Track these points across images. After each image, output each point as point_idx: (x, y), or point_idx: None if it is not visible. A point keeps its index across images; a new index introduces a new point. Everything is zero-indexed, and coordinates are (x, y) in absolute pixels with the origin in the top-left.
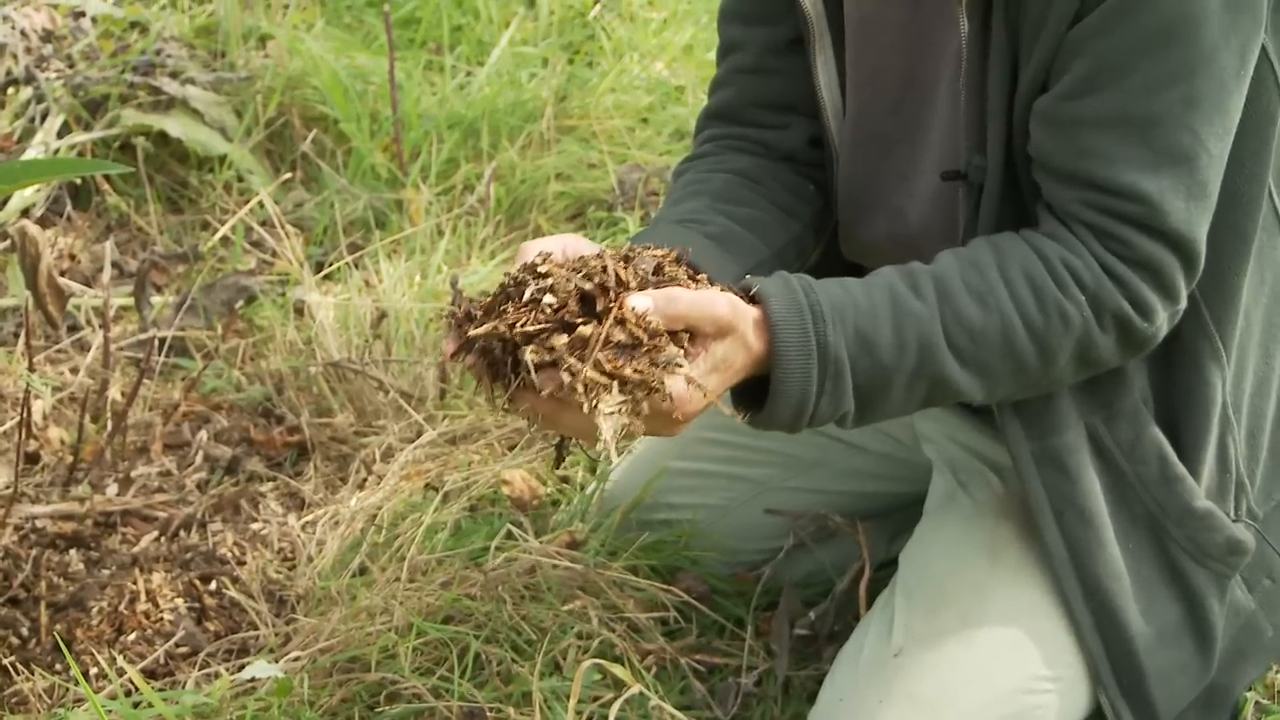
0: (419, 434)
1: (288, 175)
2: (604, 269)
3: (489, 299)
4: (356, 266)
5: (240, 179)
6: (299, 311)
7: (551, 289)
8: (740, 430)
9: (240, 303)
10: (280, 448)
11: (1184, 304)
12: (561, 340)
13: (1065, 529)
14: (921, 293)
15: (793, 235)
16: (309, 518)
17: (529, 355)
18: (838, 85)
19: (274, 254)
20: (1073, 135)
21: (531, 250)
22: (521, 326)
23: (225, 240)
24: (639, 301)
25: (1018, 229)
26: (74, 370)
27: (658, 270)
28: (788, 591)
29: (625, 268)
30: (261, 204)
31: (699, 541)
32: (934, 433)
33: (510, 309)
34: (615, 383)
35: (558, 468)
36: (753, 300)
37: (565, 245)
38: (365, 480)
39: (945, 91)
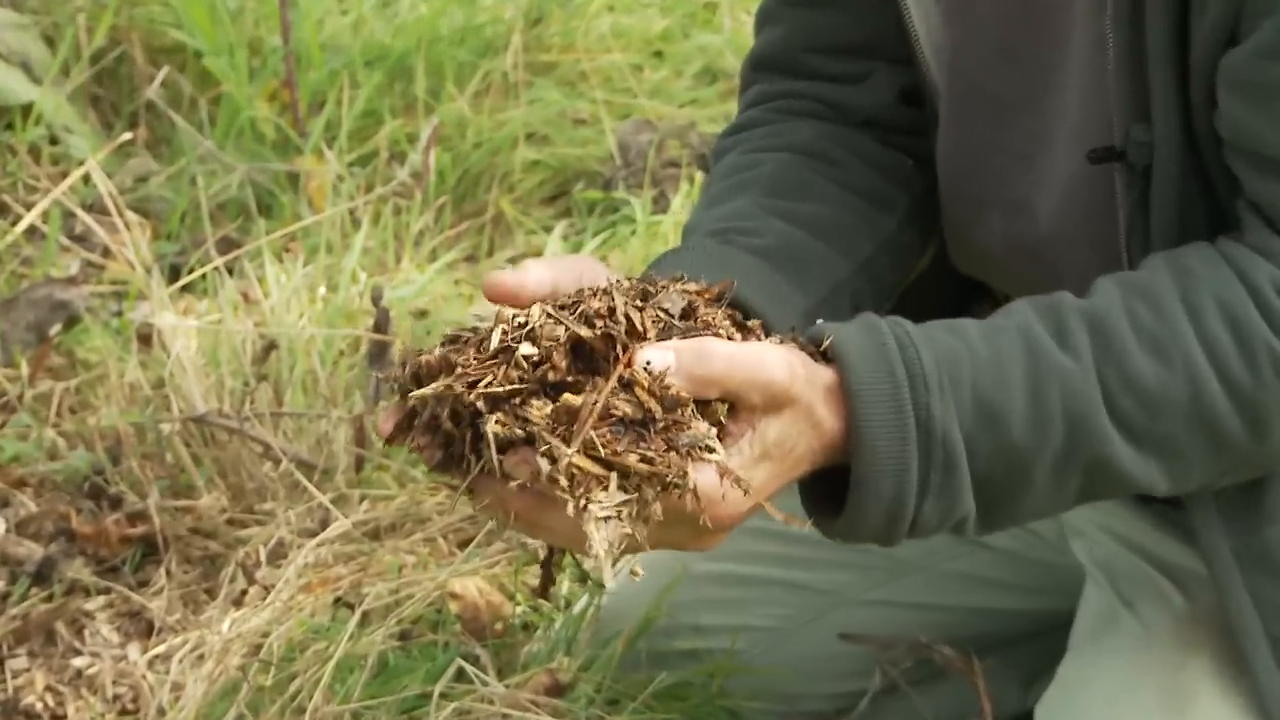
0: (325, 523)
1: (126, 136)
2: (610, 309)
3: (443, 352)
4: (230, 273)
5: (54, 140)
6: (144, 340)
7: (531, 335)
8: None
9: (56, 326)
10: (116, 544)
11: None
12: (541, 409)
13: None
14: (1071, 340)
15: (884, 237)
16: (159, 649)
17: (493, 428)
18: (936, 9)
19: (105, 253)
20: None
21: (529, 275)
22: (485, 387)
23: (32, 232)
24: (656, 357)
25: (1215, 232)
26: None
27: (688, 313)
28: None
29: (641, 308)
30: (87, 178)
31: (740, 682)
32: (1086, 523)
33: (472, 362)
34: (613, 474)
35: (544, 595)
36: (826, 357)
37: (579, 271)
38: (245, 593)
39: (1084, 32)
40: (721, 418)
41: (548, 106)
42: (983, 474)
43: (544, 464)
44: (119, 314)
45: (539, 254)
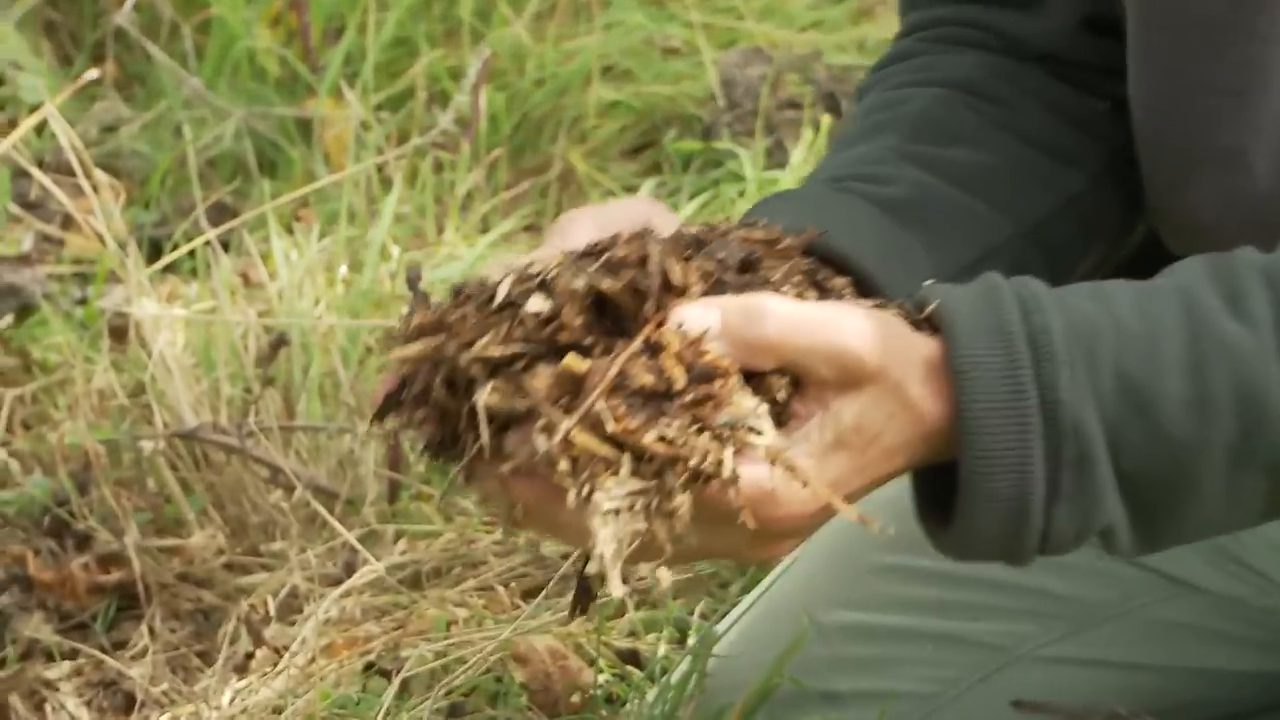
0: (350, 568)
1: (91, 74)
2: (643, 258)
3: (441, 307)
4: (226, 248)
5: (1, 80)
6: (118, 334)
7: (545, 286)
8: None
9: (5, 317)
10: (85, 595)
11: None
12: (545, 376)
13: None
14: (1246, 304)
15: (1067, 197)
16: None
17: (486, 398)
18: None
19: (67, 223)
20: None
21: (575, 228)
22: (483, 349)
23: None
24: (693, 316)
25: None
26: None
27: (749, 265)
28: None
29: (688, 257)
30: (42, 127)
31: None
32: None
33: (472, 319)
34: (626, 455)
35: (579, 615)
36: (933, 325)
37: (636, 218)
38: (249, 656)
39: None
40: (782, 395)
41: (630, 32)
42: (1131, 473)
43: (540, 441)
44: (84, 301)
45: None
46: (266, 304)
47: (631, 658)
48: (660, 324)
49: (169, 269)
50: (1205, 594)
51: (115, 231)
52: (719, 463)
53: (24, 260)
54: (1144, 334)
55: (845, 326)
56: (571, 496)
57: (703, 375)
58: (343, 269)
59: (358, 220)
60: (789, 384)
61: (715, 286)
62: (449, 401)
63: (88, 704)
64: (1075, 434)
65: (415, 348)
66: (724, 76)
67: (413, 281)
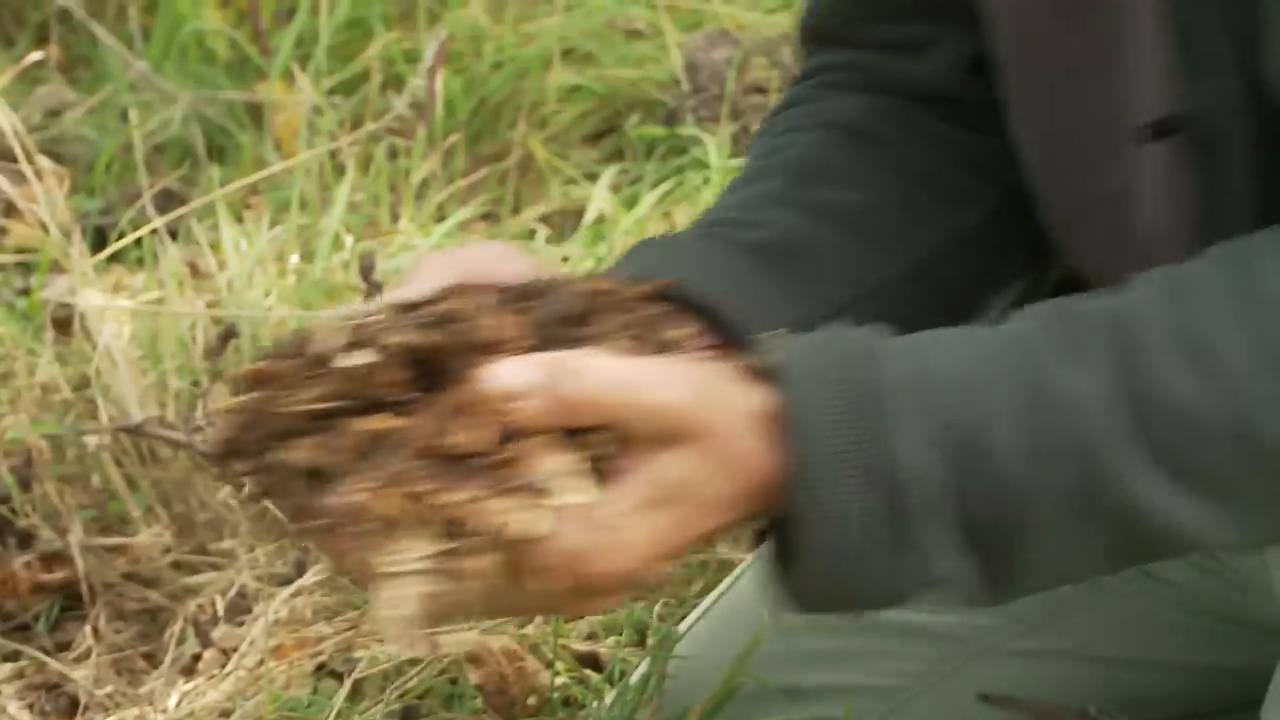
0: (301, 567)
1: (34, 56)
2: (474, 309)
3: (281, 352)
4: (174, 237)
5: None
6: (61, 325)
7: (374, 340)
8: None
9: None
10: (27, 594)
11: None
12: (351, 435)
13: None
14: (1085, 350)
15: (957, 234)
16: None
17: (294, 455)
18: None
19: (9, 211)
20: None
21: (426, 275)
22: (298, 404)
23: None
24: (510, 373)
25: None
26: None
27: (584, 318)
28: None
29: (522, 309)
30: None
31: None
32: None
33: (297, 370)
34: (427, 516)
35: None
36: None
37: (485, 266)
38: (197, 658)
39: None
40: (608, 451)
41: (591, 14)
42: (967, 524)
43: (341, 500)
44: (27, 292)
45: (579, 210)
46: (215, 295)
47: (590, 660)
48: (470, 379)
49: (114, 258)
50: (1177, 588)
51: (59, 220)
52: (511, 523)
53: None
54: (980, 383)
55: (665, 382)
56: (357, 559)
57: (511, 434)
58: (294, 259)
59: (309, 208)
60: (615, 440)
61: (546, 341)
62: (273, 454)
63: (29, 707)
64: (906, 486)
65: (239, 400)
66: (689, 60)
67: (366, 272)
